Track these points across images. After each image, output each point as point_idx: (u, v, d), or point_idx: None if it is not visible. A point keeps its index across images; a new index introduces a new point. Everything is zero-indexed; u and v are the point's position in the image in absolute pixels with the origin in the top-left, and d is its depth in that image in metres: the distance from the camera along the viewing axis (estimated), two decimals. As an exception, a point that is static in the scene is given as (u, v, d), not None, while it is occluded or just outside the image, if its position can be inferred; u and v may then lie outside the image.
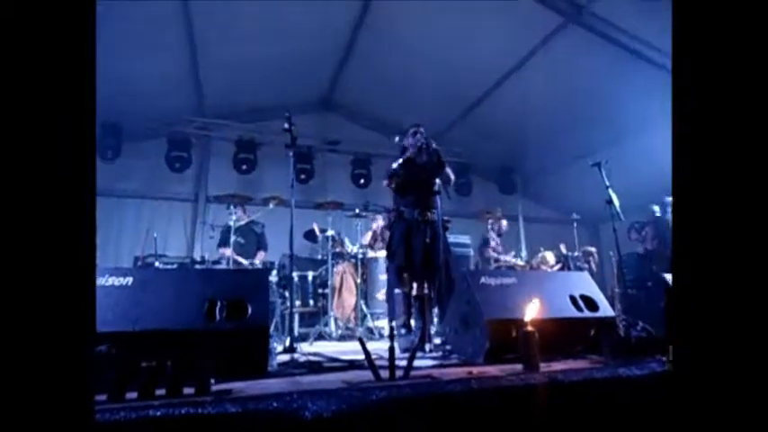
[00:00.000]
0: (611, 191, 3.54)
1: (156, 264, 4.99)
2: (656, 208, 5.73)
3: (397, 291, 3.24)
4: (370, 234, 5.61)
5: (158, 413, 1.14)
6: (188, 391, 1.38)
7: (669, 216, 5.49)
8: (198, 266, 5.15)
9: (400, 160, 3.23)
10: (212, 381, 1.45)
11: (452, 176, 3.36)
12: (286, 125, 3.28)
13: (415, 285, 3.21)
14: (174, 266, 5.11)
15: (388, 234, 3.62)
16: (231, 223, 4.85)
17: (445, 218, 3.35)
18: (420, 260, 3.09)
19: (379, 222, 5.59)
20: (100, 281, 1.86)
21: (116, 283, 1.87)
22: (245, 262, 4.99)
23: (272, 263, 5.20)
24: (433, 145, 3.23)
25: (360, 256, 5.21)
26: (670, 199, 5.58)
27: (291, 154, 3.39)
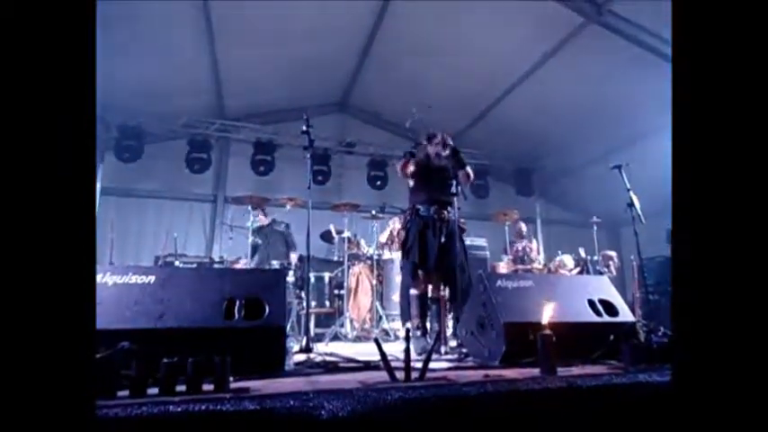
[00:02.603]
0: (631, 193, 3.47)
1: (176, 263, 5.08)
2: None
3: (412, 292, 3.21)
4: (387, 232, 5.58)
5: (178, 409, 1.17)
6: (207, 387, 1.41)
7: None
8: (217, 266, 5.23)
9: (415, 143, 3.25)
10: (231, 378, 1.48)
11: (471, 174, 3.36)
12: (304, 127, 3.30)
13: (430, 287, 3.19)
14: (194, 266, 5.19)
15: (403, 235, 3.61)
16: (249, 224, 4.89)
17: (462, 220, 3.32)
18: (435, 258, 3.06)
19: (396, 225, 5.58)
20: (123, 278, 1.91)
21: (139, 281, 1.92)
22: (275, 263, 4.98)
23: (290, 263, 5.24)
24: (450, 142, 3.22)
25: (376, 257, 5.21)
26: None
27: (308, 156, 3.40)
